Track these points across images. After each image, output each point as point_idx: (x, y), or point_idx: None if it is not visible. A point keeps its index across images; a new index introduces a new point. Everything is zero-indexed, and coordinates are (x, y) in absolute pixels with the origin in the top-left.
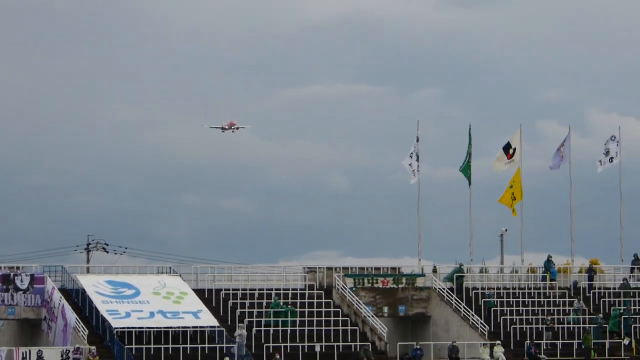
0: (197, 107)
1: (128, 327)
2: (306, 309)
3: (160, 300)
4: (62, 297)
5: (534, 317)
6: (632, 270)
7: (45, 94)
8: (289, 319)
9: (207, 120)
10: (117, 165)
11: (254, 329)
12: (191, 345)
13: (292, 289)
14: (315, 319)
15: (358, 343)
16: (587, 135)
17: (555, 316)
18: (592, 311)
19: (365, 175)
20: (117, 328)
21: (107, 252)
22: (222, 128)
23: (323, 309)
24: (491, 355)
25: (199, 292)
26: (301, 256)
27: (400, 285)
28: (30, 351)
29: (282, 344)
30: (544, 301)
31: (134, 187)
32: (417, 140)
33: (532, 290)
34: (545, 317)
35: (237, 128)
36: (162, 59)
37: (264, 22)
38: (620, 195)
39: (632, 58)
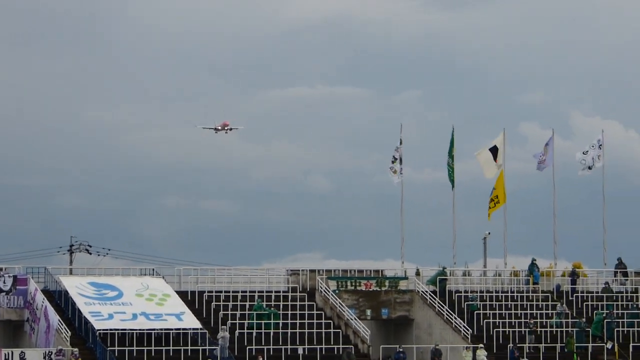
0: (181, 108)
1: (111, 329)
2: (289, 312)
3: (143, 302)
4: (45, 298)
5: (516, 320)
6: (615, 274)
7: (29, 94)
8: (271, 321)
9: (191, 121)
10: (100, 167)
11: (237, 331)
12: (174, 347)
13: (275, 292)
14: (298, 321)
15: (341, 346)
16: (570, 138)
17: (538, 320)
18: (575, 315)
19: (348, 178)
20: (100, 330)
21: (90, 253)
22: (215, 129)
23: (306, 312)
24: (474, 358)
25: (182, 294)
26: (284, 258)
27: (383, 288)
28: (12, 352)
29: (265, 347)
30: (526, 304)
31: (118, 189)
32: (400, 143)
33: (515, 294)
34: (528, 320)
35: (231, 129)
36: (146, 60)
37: (247, 24)
38: (604, 199)
39: (615, 61)
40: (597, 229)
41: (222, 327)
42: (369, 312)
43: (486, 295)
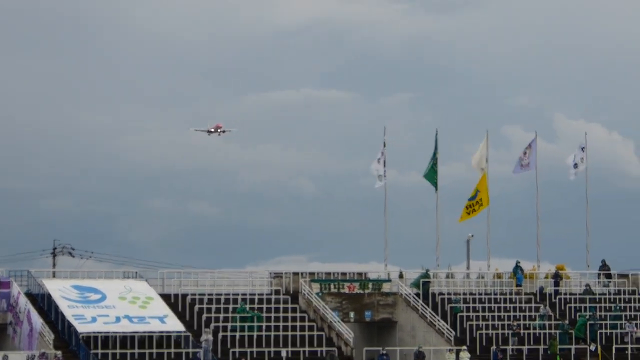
0: (167, 112)
1: (94, 332)
2: (272, 314)
3: (126, 305)
4: (28, 301)
5: (500, 322)
6: (598, 276)
7: (13, 96)
8: (255, 324)
9: (177, 124)
10: (83, 170)
11: (220, 334)
12: (157, 350)
13: (259, 294)
14: (281, 324)
15: (324, 348)
16: (554, 141)
17: (521, 322)
18: (558, 317)
19: (332, 181)
20: (83, 333)
21: (74, 256)
22: (208, 131)
23: (289, 314)
24: None
25: (165, 297)
26: (268, 261)
27: (366, 291)
28: None
29: (249, 349)
30: (510, 307)
31: (101, 192)
32: (384, 146)
33: (499, 296)
34: (511, 322)
35: (224, 131)
36: (134, 63)
37: (234, 28)
38: (587, 201)
39: (599, 64)
40: (581, 231)
41: (206, 329)
42: (352, 314)
43: (469, 298)
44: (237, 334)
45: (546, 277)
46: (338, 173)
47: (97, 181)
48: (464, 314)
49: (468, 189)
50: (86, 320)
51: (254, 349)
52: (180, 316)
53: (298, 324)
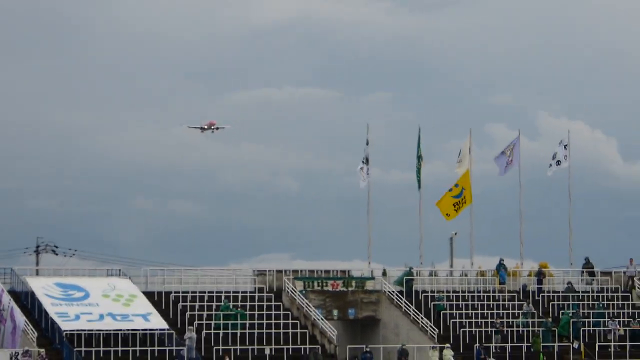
0: (148, 110)
1: (77, 330)
2: (256, 312)
3: (109, 302)
4: (11, 299)
5: (483, 320)
6: (582, 273)
7: None
8: (238, 321)
9: (157, 122)
10: (67, 168)
11: (204, 331)
12: (141, 348)
13: (242, 292)
14: (265, 321)
15: (307, 346)
16: (537, 139)
17: (505, 319)
18: (541, 314)
19: (315, 178)
20: (67, 330)
21: (57, 254)
22: (202, 128)
23: (273, 312)
24: (440, 358)
25: (149, 295)
26: (251, 259)
27: (350, 289)
28: None
29: (232, 347)
30: (493, 304)
31: (84, 190)
32: (367, 144)
33: (482, 294)
34: (494, 320)
35: (217, 128)
36: (115, 62)
37: (215, 26)
38: (570, 199)
39: (581, 62)
40: (564, 229)
41: (189, 327)
42: (335, 312)
43: (453, 295)
44: (221, 332)
45: (529, 275)
46: (321, 171)
47: (80, 180)
48: (447, 311)
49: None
50: (69, 318)
51: (238, 347)
52: (164, 314)
53: (281, 321)
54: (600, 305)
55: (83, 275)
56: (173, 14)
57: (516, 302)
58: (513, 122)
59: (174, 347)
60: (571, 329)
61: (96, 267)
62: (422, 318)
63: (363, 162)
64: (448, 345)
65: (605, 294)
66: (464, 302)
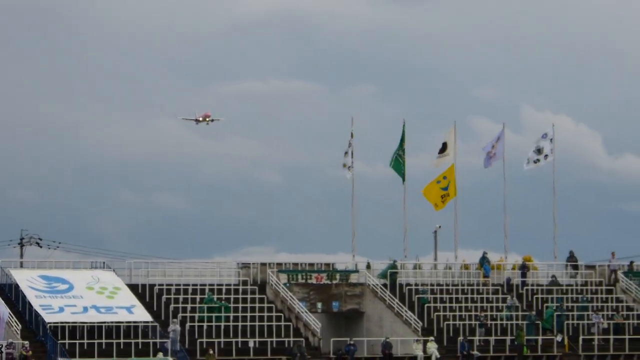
0: (132, 103)
1: (61, 322)
2: (240, 305)
3: (93, 295)
4: None
5: (467, 313)
6: (566, 267)
7: None
8: (222, 314)
9: (141, 116)
10: (51, 160)
11: (188, 324)
12: (124, 341)
13: (226, 285)
14: (249, 314)
15: (292, 339)
16: (521, 132)
17: (489, 313)
18: (525, 308)
19: (299, 172)
20: (51, 323)
21: (41, 246)
22: (196, 120)
23: (257, 305)
24: (424, 351)
25: (133, 287)
26: (235, 252)
27: (334, 281)
28: None
29: (216, 340)
30: (477, 298)
31: (69, 182)
32: (352, 137)
33: (466, 287)
34: (478, 313)
35: (212, 120)
36: (99, 56)
37: (199, 18)
38: (554, 193)
39: (565, 55)
40: (548, 222)
41: (173, 320)
42: (319, 305)
43: (437, 289)
44: (205, 325)
45: (513, 269)
46: (305, 164)
47: (64, 173)
48: (432, 304)
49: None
50: (54, 310)
51: (222, 340)
52: (148, 306)
53: (265, 314)
54: (584, 298)
55: (67, 268)
56: (157, 6)
57: (500, 296)
58: (497, 116)
59: (158, 340)
60: (555, 323)
61: (80, 259)
62: (406, 311)
63: (348, 155)
64: (432, 338)
65: (589, 287)
66: (448, 296)
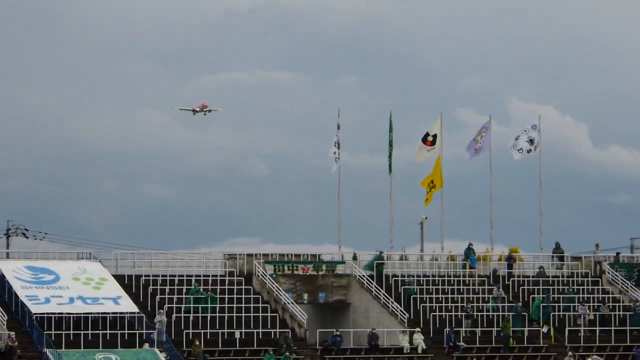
0: (118, 94)
1: (47, 313)
2: (226, 296)
3: (79, 286)
4: None
5: (453, 304)
6: (552, 258)
7: None
8: (208, 305)
9: (127, 106)
10: (37, 151)
11: (174, 315)
12: (111, 331)
13: (212, 276)
14: (235, 305)
15: (278, 330)
16: (507, 123)
17: (475, 304)
18: (511, 299)
19: (285, 162)
20: (37, 313)
21: (27, 237)
22: (194, 110)
23: (243, 296)
24: (410, 342)
25: (119, 278)
26: (221, 243)
27: (320, 272)
28: None
29: (202, 331)
30: (463, 289)
31: (55, 173)
32: (338, 128)
33: (452, 278)
34: (464, 304)
35: (210, 110)
36: (84, 45)
37: (185, 9)
38: (540, 184)
39: (551, 47)
40: (534, 213)
41: (159, 311)
42: (306, 296)
43: (423, 280)
44: (191, 315)
45: (499, 260)
46: (291, 155)
47: (51, 162)
48: (418, 295)
49: (421, 171)
50: (40, 301)
51: (208, 330)
52: (134, 297)
53: (252, 305)
54: (570, 290)
55: (53, 259)
56: None
57: (486, 287)
58: (483, 107)
59: (144, 331)
60: (541, 314)
61: (66, 250)
62: (392, 302)
63: (334, 146)
64: (418, 329)
65: (575, 278)
66: (434, 287)
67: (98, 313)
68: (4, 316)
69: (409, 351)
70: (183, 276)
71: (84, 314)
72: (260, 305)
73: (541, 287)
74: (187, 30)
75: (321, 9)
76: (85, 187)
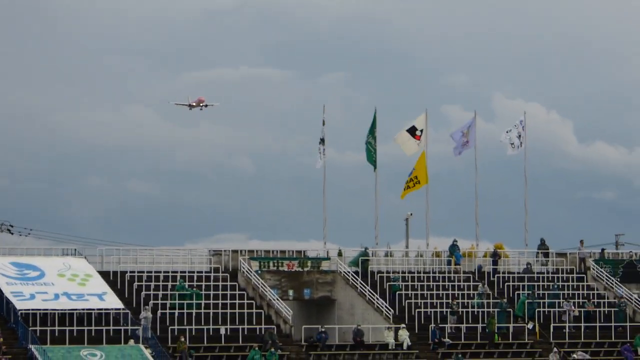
0: (103, 89)
1: (32, 309)
2: (211, 292)
3: (65, 282)
4: None
5: (438, 301)
6: (537, 254)
7: None
8: (194, 301)
9: (113, 102)
10: (23, 146)
11: (159, 311)
12: (96, 328)
13: (198, 272)
14: (220, 301)
15: (263, 326)
16: (493, 120)
17: (460, 300)
18: (496, 295)
19: (271, 159)
20: (22, 310)
21: (12, 233)
22: (190, 105)
23: (228, 292)
24: (396, 338)
25: (104, 274)
26: (207, 239)
27: (305, 269)
28: None
29: (187, 327)
30: (448, 285)
31: (40, 169)
32: (323, 124)
33: (437, 274)
34: (449, 301)
35: (206, 105)
36: (70, 41)
37: (170, 5)
38: (525, 180)
39: (537, 43)
40: (519, 210)
41: (145, 307)
42: (291, 292)
43: (408, 276)
44: (176, 312)
45: (485, 256)
46: (276, 151)
47: (37, 158)
48: (403, 292)
49: (406, 167)
50: (25, 297)
51: (193, 327)
52: (119, 293)
53: (237, 301)
54: (555, 286)
55: (38, 255)
56: None
57: (471, 283)
58: (469, 104)
59: (130, 327)
60: (526, 310)
61: (52, 246)
62: (377, 298)
63: (320, 142)
64: (403, 325)
65: (560, 275)
66: (419, 283)
67: (83, 309)
68: None
69: (394, 347)
70: (168, 272)
71: (69, 310)
72: (245, 301)
73: (526, 283)
74: (174, 26)
75: (307, 5)
76: (71, 183)
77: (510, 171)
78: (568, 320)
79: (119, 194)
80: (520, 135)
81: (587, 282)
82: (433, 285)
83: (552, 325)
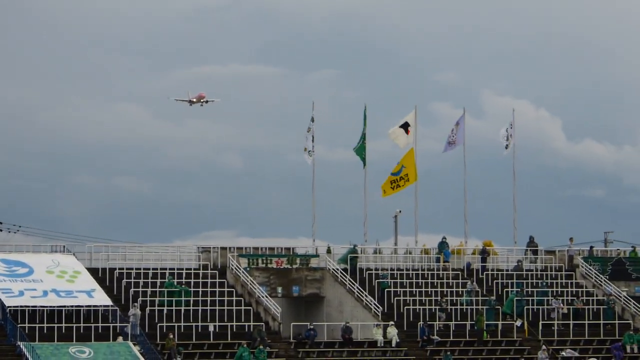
0: (92, 87)
1: (21, 306)
2: (200, 289)
3: (53, 279)
4: None
5: (427, 298)
6: (526, 252)
7: None
8: (182, 298)
9: (102, 98)
10: (11, 144)
11: (148, 308)
12: (84, 325)
13: (186, 269)
14: (209, 298)
15: (252, 323)
16: (482, 117)
17: (449, 297)
18: (485, 293)
19: (260, 156)
20: (10, 306)
21: (1, 230)
22: (190, 101)
23: (217, 289)
24: (384, 335)
25: (93, 271)
26: (196, 236)
27: (294, 266)
28: None
29: (176, 324)
30: (437, 282)
31: (30, 166)
32: (313, 121)
33: (426, 272)
34: (438, 298)
35: (207, 101)
36: (60, 38)
37: (161, 2)
38: (514, 178)
39: (526, 41)
40: (508, 207)
41: (133, 304)
42: (280, 289)
43: (397, 273)
44: (165, 309)
45: (473, 253)
46: (266, 148)
47: (26, 155)
48: (392, 289)
49: (395, 164)
50: (13, 294)
51: (182, 324)
52: (108, 290)
53: (226, 298)
54: (544, 283)
55: (27, 252)
56: None
57: (460, 281)
58: (458, 101)
59: (118, 324)
60: (515, 308)
61: (40, 243)
62: (366, 296)
63: (309, 139)
64: (392, 322)
65: (548, 272)
66: (408, 280)
67: (72, 306)
68: None
69: (382, 345)
70: (157, 269)
71: (57, 307)
72: (234, 298)
73: (515, 280)
74: (163, 23)
75: (297, 3)
76: (61, 180)
77: (499, 168)
78: (557, 318)
79: (107, 191)
80: (508, 133)
81: (575, 279)
82: (422, 282)
83: (540, 322)
